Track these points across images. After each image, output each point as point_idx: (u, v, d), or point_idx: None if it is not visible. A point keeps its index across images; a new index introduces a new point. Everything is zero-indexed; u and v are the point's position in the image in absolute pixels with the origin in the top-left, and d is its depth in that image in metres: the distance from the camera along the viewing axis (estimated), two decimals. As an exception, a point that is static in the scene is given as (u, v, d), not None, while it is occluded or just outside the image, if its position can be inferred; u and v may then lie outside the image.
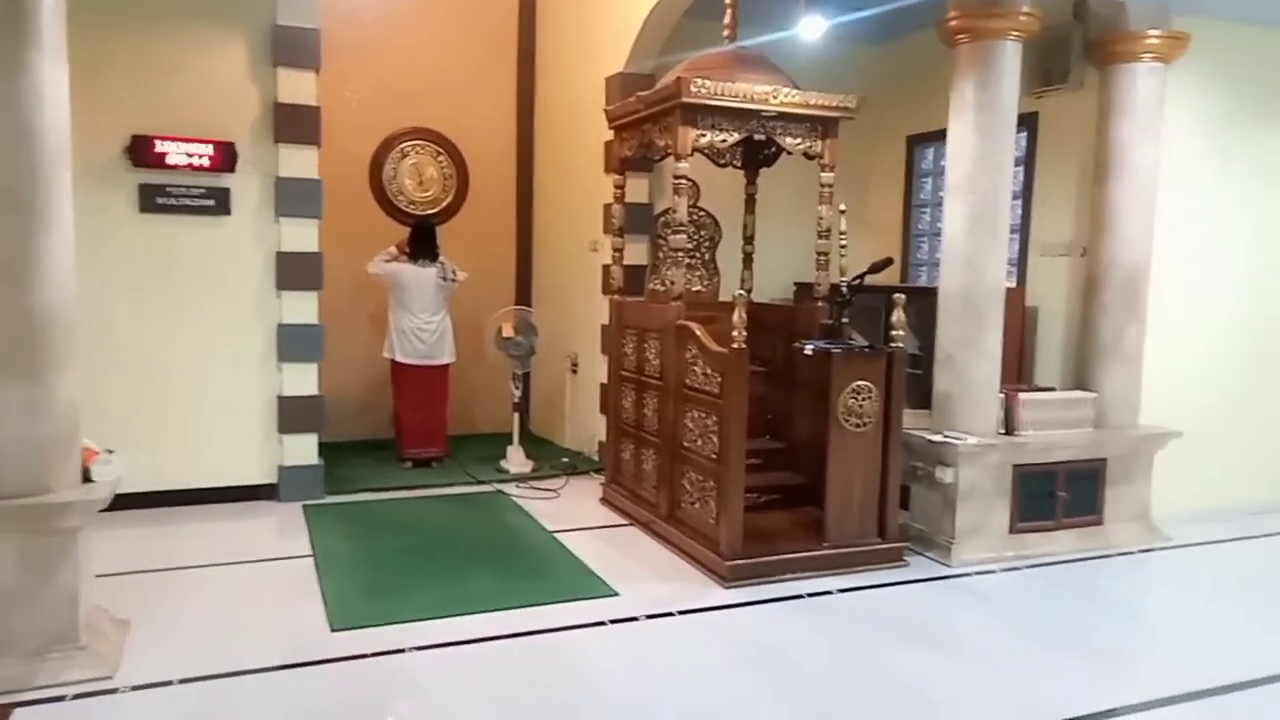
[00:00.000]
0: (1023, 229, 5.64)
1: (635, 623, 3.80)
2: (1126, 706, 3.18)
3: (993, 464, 4.74)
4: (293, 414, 5.39)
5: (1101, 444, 5.00)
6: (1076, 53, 5.16)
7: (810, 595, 4.17)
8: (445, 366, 6.41)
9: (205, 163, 5.06)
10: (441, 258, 6.33)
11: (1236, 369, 5.57)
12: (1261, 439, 5.69)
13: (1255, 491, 5.71)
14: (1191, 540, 5.14)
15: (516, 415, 6.49)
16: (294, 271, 5.31)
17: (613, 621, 3.79)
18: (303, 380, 5.40)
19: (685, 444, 4.71)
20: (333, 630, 3.63)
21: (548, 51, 7.40)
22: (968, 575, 4.53)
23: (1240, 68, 5.36)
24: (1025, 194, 5.62)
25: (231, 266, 5.23)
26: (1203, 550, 5.05)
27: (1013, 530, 4.82)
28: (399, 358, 6.28)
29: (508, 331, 6.37)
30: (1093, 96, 5.11)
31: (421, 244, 6.30)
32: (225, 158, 5.10)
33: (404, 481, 5.98)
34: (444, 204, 7.44)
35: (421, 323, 6.24)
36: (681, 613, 3.92)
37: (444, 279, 6.29)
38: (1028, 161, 5.60)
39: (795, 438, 5.02)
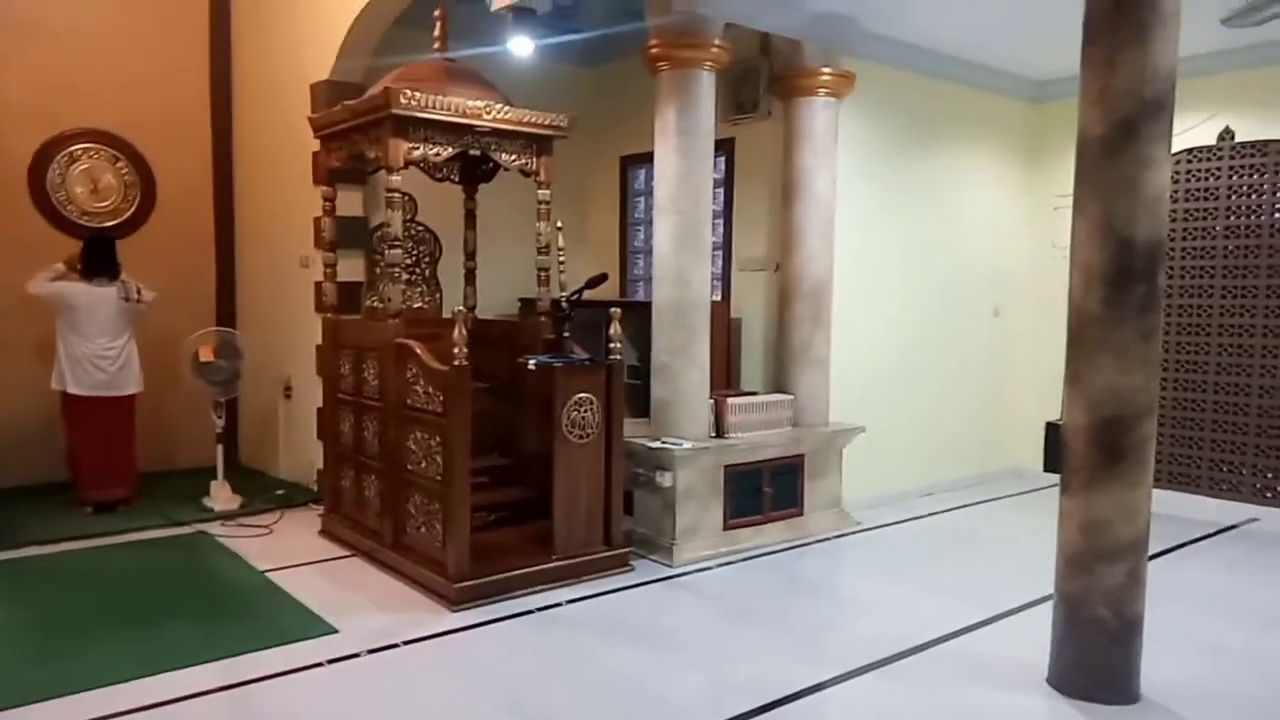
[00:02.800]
0: (725, 246, 6.07)
1: (356, 659, 3.60)
2: (820, 682, 3.48)
3: (707, 466, 5.04)
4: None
5: (799, 441, 5.48)
6: (764, 85, 5.66)
7: (540, 609, 4.18)
8: (130, 397, 5.71)
9: None
10: (123, 276, 5.66)
11: (903, 368, 6.37)
12: (927, 429, 6.55)
13: (925, 475, 6.57)
14: (876, 523, 5.78)
15: (221, 447, 5.94)
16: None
17: (331, 661, 3.57)
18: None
19: (409, 467, 4.55)
20: (-14, 712, 3.11)
21: (246, 50, 6.87)
22: (688, 574, 4.77)
23: (897, 105, 6.16)
24: (726, 213, 6.06)
25: None
26: (885, 531, 5.69)
27: (726, 527, 5.15)
28: (71, 389, 5.51)
29: (206, 355, 5.80)
30: (780, 125, 5.62)
31: (96, 260, 5.58)
32: None
33: (85, 530, 5.25)
34: (126, 215, 6.66)
35: (99, 349, 5.53)
36: (408, 643, 3.78)
37: (126, 299, 5.62)
38: (727, 183, 6.04)
39: (523, 452, 5.03)
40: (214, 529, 5.39)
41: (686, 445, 4.92)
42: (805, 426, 5.57)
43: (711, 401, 5.18)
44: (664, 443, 4.93)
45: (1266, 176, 6.01)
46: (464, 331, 4.16)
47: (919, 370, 6.49)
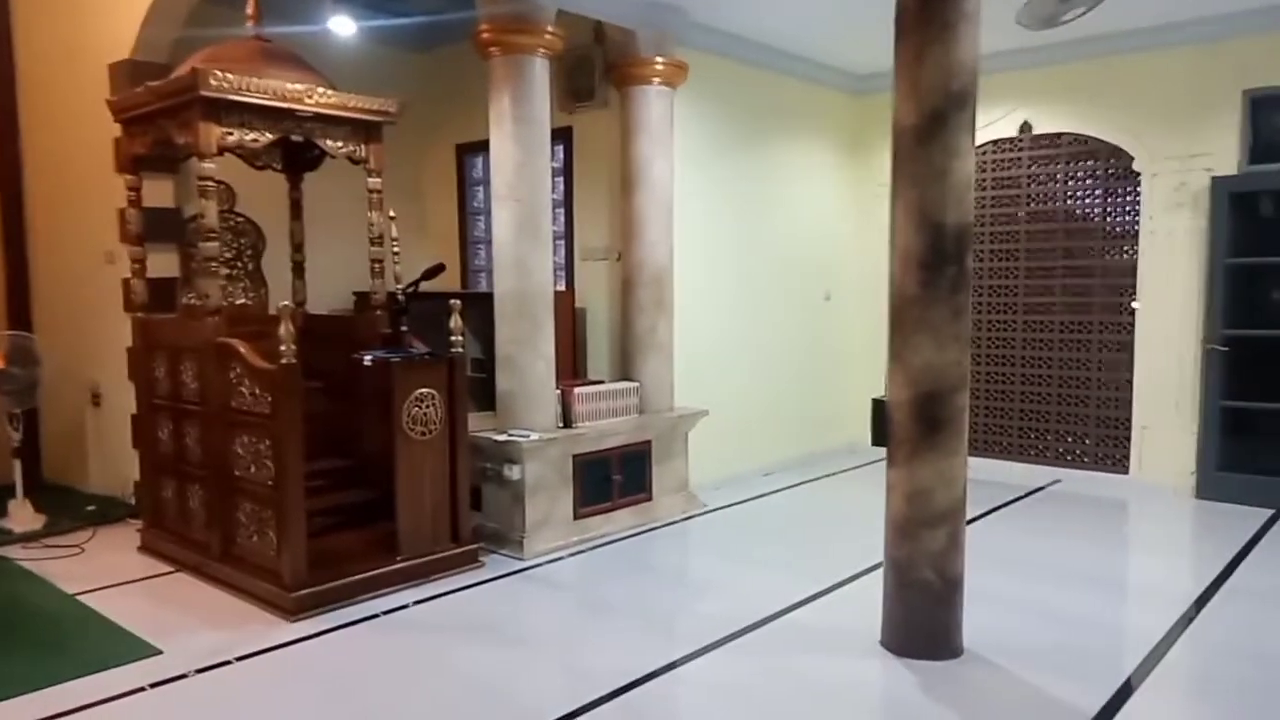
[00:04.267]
0: (567, 235, 6.05)
1: (184, 680, 3.36)
2: (671, 662, 3.55)
3: (555, 456, 5.02)
4: None
5: (646, 428, 5.55)
6: (600, 73, 5.66)
7: (386, 613, 4.05)
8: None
9: None
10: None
11: (742, 352, 6.57)
12: (766, 410, 6.79)
13: (765, 455, 6.81)
14: (722, 504, 5.94)
15: (19, 462, 5.39)
16: None
17: (154, 685, 3.31)
18: None
19: (237, 473, 4.28)
20: None
21: (33, 25, 6.22)
22: (539, 565, 4.74)
23: (730, 96, 6.32)
24: (567, 202, 6.04)
25: None
26: (730, 511, 5.85)
27: (577, 516, 5.15)
28: None
29: (-3, 363, 5.25)
30: (617, 114, 5.64)
31: None
32: None
33: None
34: (-108, 208, 5.92)
35: None
36: (241, 658, 3.56)
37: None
38: (567, 172, 6.01)
39: (363, 452, 4.83)
40: (14, 553, 4.90)
41: (534, 437, 4.87)
42: (651, 412, 5.64)
43: (558, 392, 5.16)
44: (511, 435, 4.87)
45: (1060, 166, 6.57)
46: (291, 328, 3.95)
47: (757, 353, 6.71)
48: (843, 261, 7.51)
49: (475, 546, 4.70)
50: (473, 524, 4.76)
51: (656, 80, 5.50)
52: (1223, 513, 5.68)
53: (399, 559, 4.35)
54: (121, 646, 3.66)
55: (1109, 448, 6.48)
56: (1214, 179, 5.81)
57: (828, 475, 6.85)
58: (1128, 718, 3.08)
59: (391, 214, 4.59)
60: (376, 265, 4.82)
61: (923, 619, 3.52)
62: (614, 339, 5.89)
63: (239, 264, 5.09)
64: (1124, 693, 3.26)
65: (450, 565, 4.52)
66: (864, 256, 7.42)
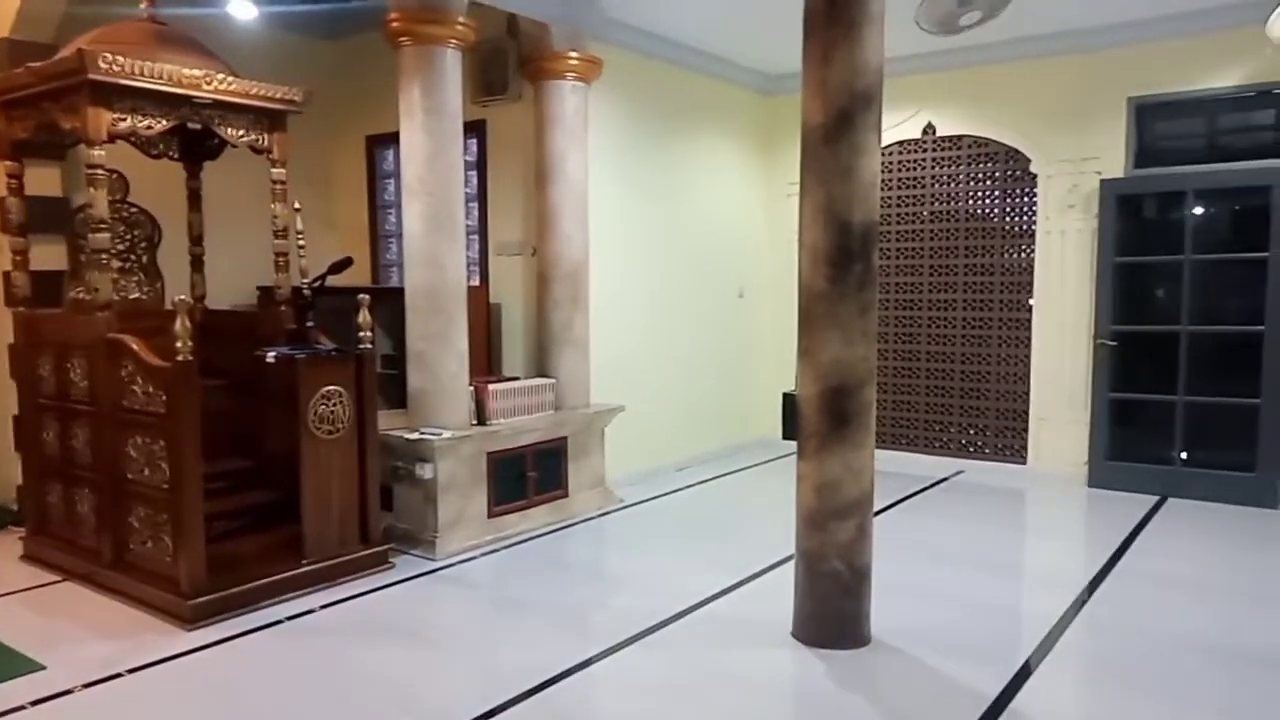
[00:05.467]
0: (481, 229, 5.97)
1: (70, 696, 3.19)
2: (585, 660, 3.53)
3: (468, 454, 4.94)
4: None
5: (562, 424, 5.51)
6: (513, 66, 5.60)
7: (290, 618, 3.92)
8: None
9: None
10: None
11: (657, 348, 6.60)
12: (681, 405, 6.83)
13: (681, 450, 6.85)
14: (638, 499, 5.96)
15: (-113, 468, 5.03)
16: None
17: (37, 702, 3.13)
18: None
19: (130, 476, 4.09)
20: None
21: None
22: (453, 565, 4.66)
23: (645, 92, 6.33)
24: (481, 197, 5.96)
25: None
26: (645, 506, 5.87)
27: (491, 514, 5.08)
28: None
29: None
30: (531, 108, 5.58)
31: None
32: None
33: None
34: None
35: None
36: (134, 671, 3.39)
37: None
38: (480, 166, 5.93)
39: (267, 453, 4.67)
40: (-120, 565, 4.58)
41: (446, 435, 4.79)
42: (567, 408, 5.61)
43: (471, 389, 5.08)
44: (423, 433, 4.78)
45: (962, 167, 6.80)
46: (187, 323, 3.78)
47: (672, 349, 6.75)
48: (756, 259, 7.61)
49: (386, 548, 4.59)
50: (383, 525, 4.66)
51: (571, 75, 5.46)
52: (1112, 499, 5.97)
53: (305, 562, 4.22)
54: (1, 662, 3.44)
55: (1008, 439, 6.74)
56: (1103, 181, 6.10)
57: (742, 469, 6.94)
58: (1027, 698, 3.20)
59: (297, 206, 4.44)
60: (281, 259, 4.66)
61: (832, 609, 3.59)
62: (529, 335, 5.83)
63: (132, 257, 4.85)
64: (1023, 674, 3.39)
65: (359, 568, 4.41)
66: (776, 254, 7.54)
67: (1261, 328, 5.65)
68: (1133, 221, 6.19)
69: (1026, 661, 3.50)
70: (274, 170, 4.56)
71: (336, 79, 6.38)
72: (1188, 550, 4.97)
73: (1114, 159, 6.15)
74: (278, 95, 4.43)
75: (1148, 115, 6.15)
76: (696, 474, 6.70)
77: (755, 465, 7.07)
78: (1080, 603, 4.14)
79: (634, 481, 6.21)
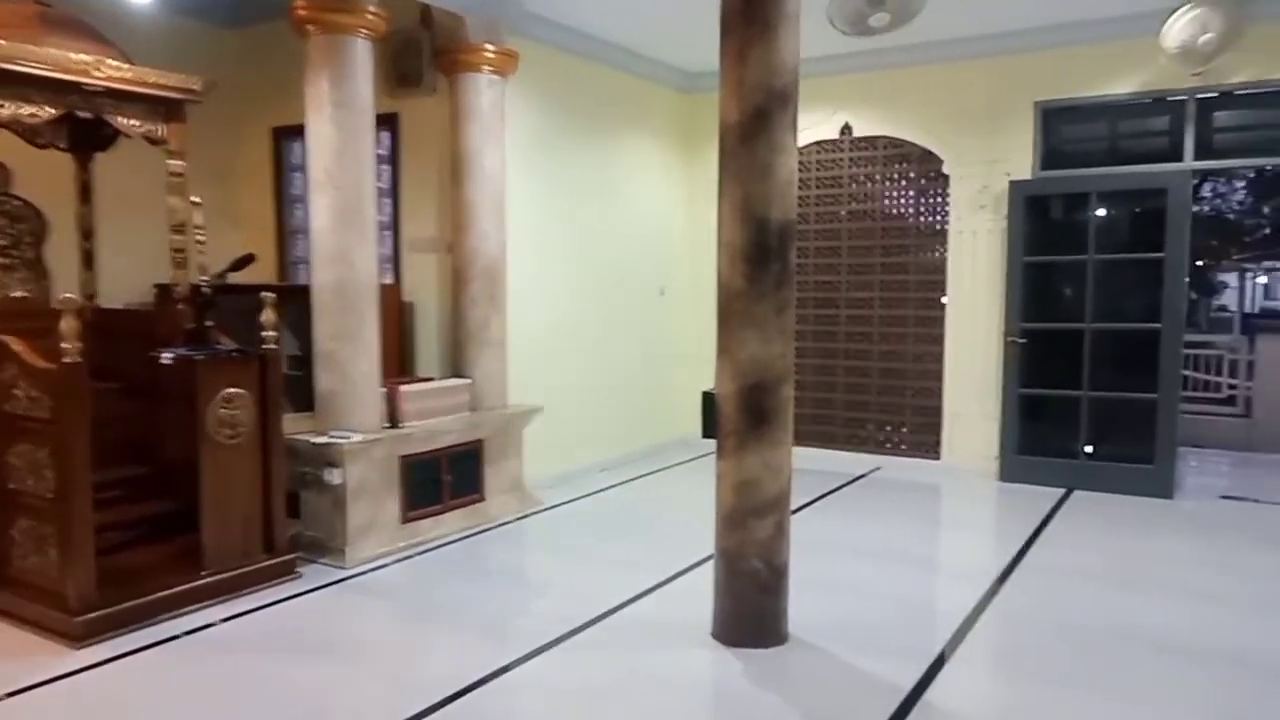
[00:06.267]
0: (394, 226, 5.80)
1: (-60, 726, 2.97)
2: (504, 666, 3.45)
3: (380, 458, 4.79)
4: None
5: (478, 426, 5.40)
6: (428, 58, 5.46)
7: (189, 633, 3.73)
8: None
9: None
10: None
11: (576, 347, 6.52)
12: (601, 405, 6.77)
13: (601, 450, 6.79)
14: (557, 501, 5.87)
15: None
16: None
17: (-99, 734, 2.91)
18: None
19: (12, 485, 3.83)
20: None
21: None
22: (363, 573, 4.51)
23: (564, 88, 6.25)
24: (394, 192, 5.79)
25: None
26: (565, 509, 5.79)
27: (404, 520, 4.94)
28: None
29: None
30: (446, 102, 5.45)
31: None
32: None
33: None
34: None
35: None
36: (14, 694, 3.17)
37: None
38: (393, 160, 5.76)
39: (165, 459, 4.44)
40: None
41: (356, 438, 4.63)
42: (484, 410, 5.49)
43: (383, 390, 4.93)
44: (331, 437, 4.61)
45: (878, 168, 6.91)
46: (75, 323, 3.56)
47: (592, 348, 6.68)
48: (676, 256, 7.60)
49: (292, 557, 4.41)
50: (290, 533, 4.49)
51: (487, 68, 5.35)
52: (1022, 493, 6.14)
53: (204, 573, 4.02)
54: None
55: (923, 435, 6.88)
56: (1011, 183, 6.27)
57: (663, 469, 6.92)
58: (939, 690, 3.25)
59: (196, 199, 4.23)
60: (179, 255, 4.43)
61: (750, 608, 3.58)
62: (444, 334, 5.69)
63: (15, 252, 4.55)
64: (937, 665, 3.44)
65: (263, 578, 4.23)
66: (695, 252, 7.54)
67: (1158, 325, 5.89)
68: (1040, 222, 6.38)
69: (940, 653, 3.55)
70: (171, 162, 4.33)
71: (242, 68, 6.12)
72: (1091, 541, 5.14)
73: (1022, 161, 6.33)
74: (175, 84, 4.21)
75: (1053, 119, 6.35)
76: (617, 474, 6.65)
77: (676, 464, 7.06)
78: (991, 594, 4.23)
79: (554, 483, 6.12)
